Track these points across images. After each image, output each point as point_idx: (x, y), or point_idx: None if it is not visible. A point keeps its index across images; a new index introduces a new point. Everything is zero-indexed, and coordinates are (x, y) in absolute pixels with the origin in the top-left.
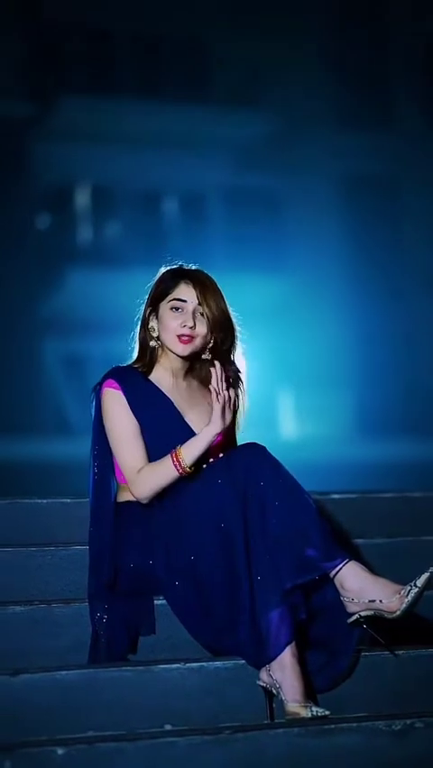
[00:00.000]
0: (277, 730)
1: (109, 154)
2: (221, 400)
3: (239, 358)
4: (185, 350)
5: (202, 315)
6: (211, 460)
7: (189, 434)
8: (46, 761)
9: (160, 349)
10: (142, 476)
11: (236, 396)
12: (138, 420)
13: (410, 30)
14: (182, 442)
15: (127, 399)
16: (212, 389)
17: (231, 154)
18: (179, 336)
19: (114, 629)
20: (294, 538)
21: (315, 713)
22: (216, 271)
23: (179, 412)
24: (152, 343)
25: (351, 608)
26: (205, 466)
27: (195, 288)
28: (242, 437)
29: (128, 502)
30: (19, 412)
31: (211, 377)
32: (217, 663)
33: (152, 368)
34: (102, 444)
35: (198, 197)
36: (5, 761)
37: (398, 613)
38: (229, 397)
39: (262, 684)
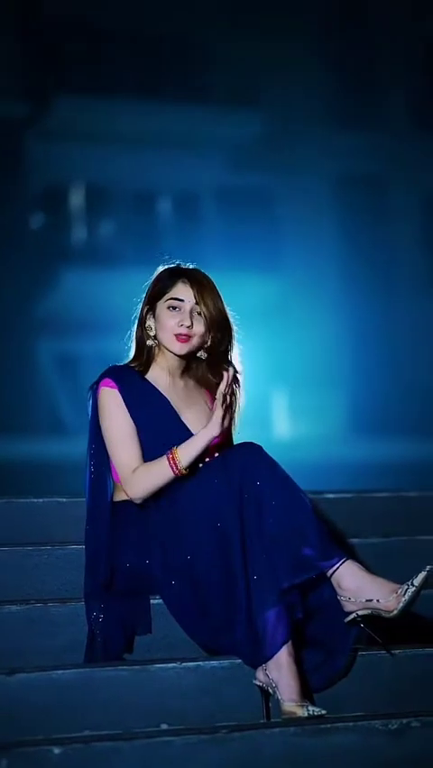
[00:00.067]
0: (273, 729)
1: (104, 154)
2: (224, 405)
3: (235, 358)
4: (182, 349)
5: (199, 314)
6: (207, 459)
7: (186, 433)
8: (42, 760)
9: (157, 348)
10: (137, 476)
11: (235, 396)
12: (135, 419)
13: (405, 31)
14: (179, 441)
15: (124, 398)
16: (219, 393)
17: (225, 154)
18: (176, 335)
19: (110, 628)
20: (291, 537)
21: (311, 712)
22: (211, 271)
23: (175, 411)
24: (149, 342)
25: (348, 607)
26: (201, 465)
27: (192, 287)
28: (236, 437)
29: (125, 501)
30: (14, 411)
31: (218, 379)
32: (214, 663)
33: (149, 367)
34: (98, 443)
35: (192, 197)
36: (2, 760)
37: (395, 612)
38: (231, 403)
39: (258, 683)
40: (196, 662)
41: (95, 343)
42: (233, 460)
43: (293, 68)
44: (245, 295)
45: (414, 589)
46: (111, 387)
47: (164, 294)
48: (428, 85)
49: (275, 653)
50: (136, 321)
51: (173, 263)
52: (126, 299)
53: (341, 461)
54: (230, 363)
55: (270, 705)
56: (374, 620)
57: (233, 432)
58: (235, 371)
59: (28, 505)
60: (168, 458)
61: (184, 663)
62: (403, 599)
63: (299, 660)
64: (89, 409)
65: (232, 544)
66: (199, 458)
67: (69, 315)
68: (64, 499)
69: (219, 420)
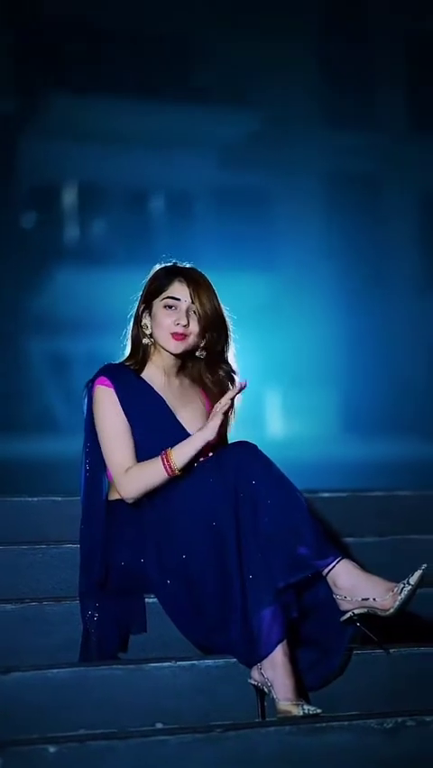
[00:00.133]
0: (268, 728)
1: (97, 152)
2: (222, 414)
3: (232, 357)
4: (178, 347)
5: (195, 313)
6: (201, 459)
7: (181, 431)
8: (37, 759)
9: (152, 346)
10: (130, 475)
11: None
12: (130, 418)
13: (398, 29)
14: (174, 440)
15: (119, 397)
16: (224, 402)
17: (218, 152)
18: (172, 334)
19: (105, 627)
20: (286, 536)
21: (306, 711)
22: (204, 270)
23: (171, 410)
24: (145, 341)
25: (344, 605)
26: (196, 465)
27: (189, 286)
28: (230, 436)
29: (120, 500)
30: (8, 410)
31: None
32: (209, 662)
33: (145, 365)
34: (94, 441)
35: (185, 196)
36: None
37: (391, 611)
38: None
39: (253, 682)
40: (191, 661)
41: (87, 342)
42: (228, 459)
43: (285, 66)
44: (239, 294)
45: (410, 587)
46: (106, 385)
47: (161, 292)
48: (424, 84)
49: (270, 652)
50: (132, 319)
51: (170, 262)
52: (119, 298)
53: (335, 460)
54: (226, 363)
55: (265, 704)
56: (370, 619)
57: (228, 431)
58: (231, 371)
59: (23, 503)
60: (162, 459)
61: (179, 662)
62: (399, 598)
63: (294, 659)
64: (84, 407)
65: (227, 543)
66: (194, 458)
67: (62, 314)
68: (59, 498)
69: (216, 427)
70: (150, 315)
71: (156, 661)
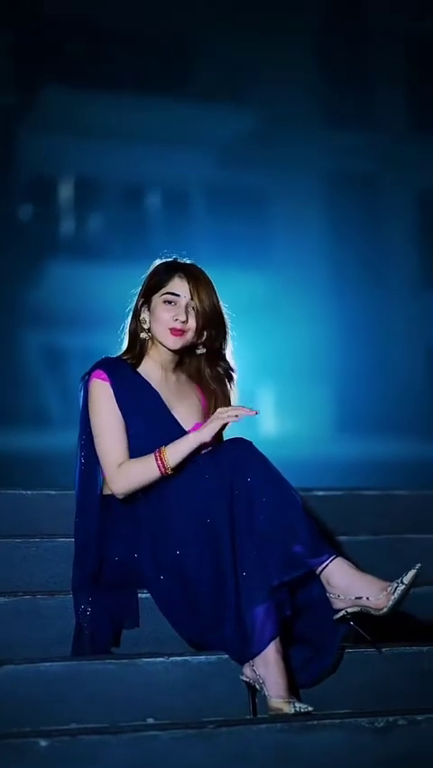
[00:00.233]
0: (260, 725)
1: (95, 148)
2: (222, 421)
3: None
4: (176, 343)
5: (194, 309)
6: (197, 455)
7: (177, 427)
8: (29, 752)
9: (150, 341)
10: (123, 471)
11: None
12: (125, 412)
13: (398, 29)
14: (169, 435)
15: (115, 391)
16: (228, 412)
17: (217, 151)
18: (170, 330)
19: (98, 622)
20: (281, 534)
21: (298, 709)
22: (200, 266)
23: (166, 406)
24: (143, 335)
25: (337, 604)
26: (190, 462)
27: (188, 282)
28: (225, 434)
29: (114, 494)
30: (3, 403)
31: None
32: (201, 658)
33: (141, 360)
34: (89, 435)
35: (182, 193)
36: None
37: (385, 610)
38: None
39: (245, 679)
40: (183, 656)
41: (83, 337)
42: (223, 455)
43: (284, 65)
44: (235, 291)
45: (404, 587)
46: (102, 379)
47: (160, 288)
48: (423, 84)
49: (263, 649)
50: (131, 313)
51: (170, 257)
52: (115, 293)
53: (330, 458)
54: (225, 360)
55: (256, 701)
56: (363, 618)
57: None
58: (229, 368)
59: (17, 497)
60: (155, 457)
61: (171, 658)
62: (393, 597)
63: (286, 657)
64: (80, 400)
65: (222, 540)
66: (187, 457)
67: (58, 308)
68: (53, 492)
69: (215, 431)
70: (149, 309)
71: (149, 656)
